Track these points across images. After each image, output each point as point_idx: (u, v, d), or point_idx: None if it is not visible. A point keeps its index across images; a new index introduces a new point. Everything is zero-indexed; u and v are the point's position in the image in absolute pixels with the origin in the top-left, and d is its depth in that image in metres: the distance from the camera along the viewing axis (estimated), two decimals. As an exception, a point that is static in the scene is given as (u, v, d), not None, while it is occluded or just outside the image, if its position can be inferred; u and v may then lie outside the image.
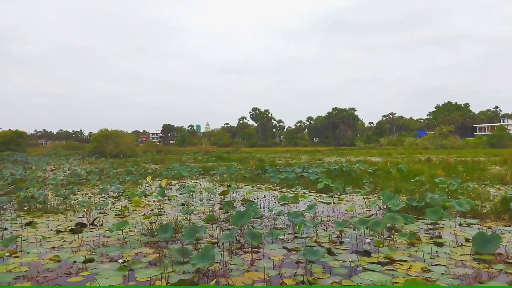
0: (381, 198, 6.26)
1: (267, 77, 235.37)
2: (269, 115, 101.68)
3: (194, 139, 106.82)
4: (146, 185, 10.25)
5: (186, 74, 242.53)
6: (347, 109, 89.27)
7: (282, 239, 4.14)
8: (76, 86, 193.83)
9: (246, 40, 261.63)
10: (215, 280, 2.81)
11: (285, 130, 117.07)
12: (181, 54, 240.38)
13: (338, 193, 7.74)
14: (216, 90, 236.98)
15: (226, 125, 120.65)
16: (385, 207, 5.94)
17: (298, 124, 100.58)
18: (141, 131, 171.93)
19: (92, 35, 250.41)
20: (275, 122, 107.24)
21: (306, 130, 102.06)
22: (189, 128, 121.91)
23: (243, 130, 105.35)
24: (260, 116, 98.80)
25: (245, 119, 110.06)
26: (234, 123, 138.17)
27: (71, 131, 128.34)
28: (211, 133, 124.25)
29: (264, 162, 17.38)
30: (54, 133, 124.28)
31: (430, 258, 3.38)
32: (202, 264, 2.98)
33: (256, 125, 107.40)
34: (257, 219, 5.18)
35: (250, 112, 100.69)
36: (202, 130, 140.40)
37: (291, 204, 6.49)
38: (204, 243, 3.95)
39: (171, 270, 3.10)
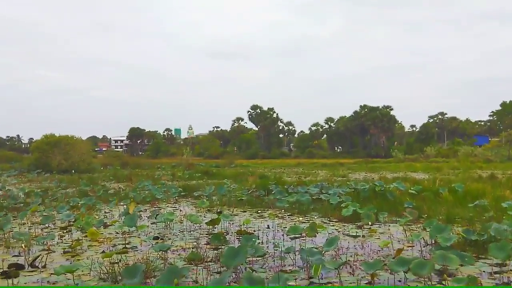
0: (427, 229, 6.37)
1: (272, 64, 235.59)
2: (274, 115, 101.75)
3: (172, 148, 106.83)
4: (107, 211, 10.30)
5: (162, 59, 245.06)
6: (380, 107, 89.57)
7: (293, 286, 4.17)
8: (13, 74, 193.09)
9: (244, 14, 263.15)
10: None
11: (296, 135, 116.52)
12: (156, 33, 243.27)
13: (369, 223, 7.75)
14: (203, 81, 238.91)
15: (215, 129, 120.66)
16: (433, 242, 5.99)
17: (313, 128, 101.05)
18: (100, 137, 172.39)
19: (38, 8, 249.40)
20: (282, 125, 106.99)
21: (325, 135, 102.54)
22: (165, 133, 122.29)
23: (239, 135, 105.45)
24: (262, 116, 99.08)
25: (242, 120, 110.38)
26: (226, 126, 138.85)
27: (4, 137, 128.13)
28: (195, 139, 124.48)
29: (267, 179, 17.60)
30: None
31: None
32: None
33: (256, 129, 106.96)
34: (258, 259, 5.24)
35: (249, 111, 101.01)
36: (183, 136, 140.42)
37: (304, 238, 6.59)
38: (185, 291, 4.05)
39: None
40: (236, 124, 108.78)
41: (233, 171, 27.92)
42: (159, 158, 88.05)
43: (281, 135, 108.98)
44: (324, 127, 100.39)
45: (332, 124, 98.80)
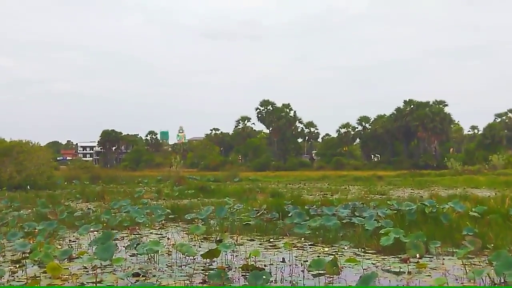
0: (493, 264, 6.42)
1: (287, 46, 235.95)
2: (291, 114, 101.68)
3: (158, 157, 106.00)
4: (72, 239, 10.37)
5: (144, 43, 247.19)
6: (430, 102, 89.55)
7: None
8: None
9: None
10: None
11: (319, 140, 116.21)
12: (135, 8, 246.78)
13: (417, 255, 7.74)
14: (197, 70, 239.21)
15: (214, 131, 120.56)
16: (501, 280, 6.05)
17: (342, 131, 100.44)
18: (64, 142, 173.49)
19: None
20: (301, 126, 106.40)
21: (358, 140, 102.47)
22: (148, 138, 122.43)
23: (245, 140, 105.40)
24: (275, 115, 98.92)
25: (248, 120, 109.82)
26: (228, 128, 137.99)
27: None
28: (187, 145, 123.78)
29: (282, 197, 17.59)
30: None
31: None
32: None
33: (267, 131, 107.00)
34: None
35: (258, 108, 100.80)
36: (171, 141, 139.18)
37: (331, 275, 6.64)
38: None
39: None
40: (240, 126, 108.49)
41: (237, 187, 28.08)
42: (141, 170, 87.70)
43: (300, 140, 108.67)
44: (356, 129, 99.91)
45: (367, 125, 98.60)
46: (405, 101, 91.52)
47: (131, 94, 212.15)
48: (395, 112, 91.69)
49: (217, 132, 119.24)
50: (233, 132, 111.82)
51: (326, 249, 8.91)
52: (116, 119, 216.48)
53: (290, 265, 7.44)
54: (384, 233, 9.01)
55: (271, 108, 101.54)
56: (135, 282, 6.22)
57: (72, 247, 9.26)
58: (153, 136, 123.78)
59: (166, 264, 7.67)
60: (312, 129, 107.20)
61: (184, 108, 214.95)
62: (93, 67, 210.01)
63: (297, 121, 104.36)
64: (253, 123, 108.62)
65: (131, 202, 17.50)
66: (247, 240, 10.08)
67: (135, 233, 11.20)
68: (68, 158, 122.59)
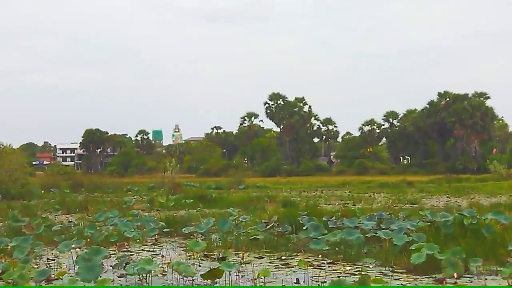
0: None
1: (302, 30, 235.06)
2: (306, 109, 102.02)
3: (150, 160, 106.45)
4: (51, 257, 10.44)
5: (134, 27, 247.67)
6: (469, 95, 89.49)
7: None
8: None
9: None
10: None
11: (339, 140, 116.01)
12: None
13: (454, 275, 7.72)
14: (196, 59, 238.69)
15: (215, 130, 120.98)
16: None
17: (366, 128, 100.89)
18: (40, 144, 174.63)
19: None
20: (317, 123, 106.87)
21: (384, 139, 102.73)
22: (139, 138, 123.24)
23: (251, 140, 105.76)
24: (287, 111, 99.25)
25: (256, 117, 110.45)
26: (232, 126, 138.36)
27: None
28: (184, 147, 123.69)
29: (295, 207, 17.77)
30: None
31: None
32: None
33: (278, 130, 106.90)
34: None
35: (267, 103, 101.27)
36: (166, 142, 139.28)
37: None
38: None
39: None
40: (246, 124, 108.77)
41: (243, 196, 28.16)
42: (130, 175, 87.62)
43: (316, 139, 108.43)
44: (382, 127, 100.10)
45: (395, 122, 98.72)
46: (439, 94, 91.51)
47: (118, 88, 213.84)
48: (428, 106, 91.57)
49: (219, 131, 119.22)
50: (238, 131, 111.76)
51: (348, 268, 8.89)
52: (101, 117, 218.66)
53: None
54: (415, 249, 8.94)
55: (282, 103, 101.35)
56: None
57: (50, 266, 9.27)
58: (144, 136, 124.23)
59: (161, 285, 7.64)
60: (331, 127, 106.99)
61: (180, 103, 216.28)
62: (73, 57, 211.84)
63: (313, 118, 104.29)
64: (261, 120, 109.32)
65: (119, 214, 17.55)
66: (255, 257, 10.10)
67: (123, 250, 11.21)
68: (45, 162, 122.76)
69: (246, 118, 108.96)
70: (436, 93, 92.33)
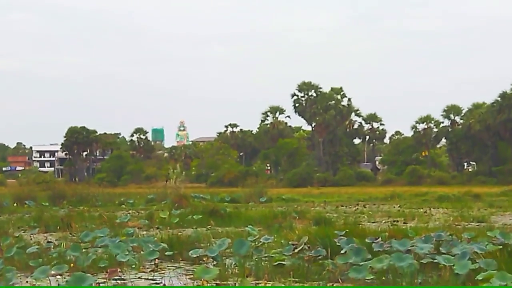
0: None
1: (335, 1, 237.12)
2: (343, 102, 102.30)
3: (149, 166, 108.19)
4: (26, 286, 10.54)
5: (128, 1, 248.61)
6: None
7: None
8: None
9: None
10: None
11: (386, 141, 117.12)
12: None
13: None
14: (205, 37, 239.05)
15: (230, 129, 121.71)
16: None
17: (420, 127, 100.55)
18: (12, 145, 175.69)
19: None
20: (359, 120, 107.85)
21: (444, 141, 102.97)
22: (135, 138, 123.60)
23: (276, 142, 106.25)
24: (321, 105, 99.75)
25: (282, 113, 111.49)
26: (251, 124, 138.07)
27: None
28: (191, 149, 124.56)
29: (331, 226, 17.84)
30: None
31: None
32: None
33: (309, 128, 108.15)
34: None
35: (295, 95, 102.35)
36: (169, 143, 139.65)
37: None
38: None
39: None
40: (269, 120, 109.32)
41: (265, 211, 28.11)
42: (124, 185, 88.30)
43: (357, 141, 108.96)
44: (441, 125, 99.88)
45: (457, 118, 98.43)
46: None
47: (108, 75, 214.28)
48: (499, 99, 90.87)
49: (234, 129, 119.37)
50: (259, 129, 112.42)
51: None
52: (88, 112, 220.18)
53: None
54: (483, 278, 8.94)
55: (315, 95, 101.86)
56: None
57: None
58: (141, 136, 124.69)
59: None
60: (376, 125, 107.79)
61: (187, 94, 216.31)
62: (50, 36, 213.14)
63: (353, 113, 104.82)
64: (288, 117, 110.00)
65: (110, 233, 17.67)
66: (281, 288, 10.53)
67: (116, 277, 11.29)
68: (18, 168, 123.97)
69: (269, 113, 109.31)
70: (510, 83, 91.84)
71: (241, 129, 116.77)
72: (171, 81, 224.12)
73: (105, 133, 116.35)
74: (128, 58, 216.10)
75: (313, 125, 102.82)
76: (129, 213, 28.72)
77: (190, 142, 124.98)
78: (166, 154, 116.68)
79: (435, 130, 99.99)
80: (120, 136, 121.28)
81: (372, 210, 32.82)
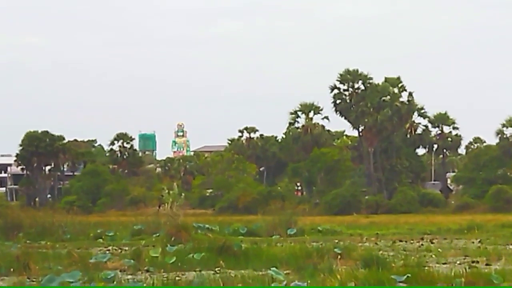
0: None
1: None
2: (401, 97, 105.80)
3: (135, 186, 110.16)
4: None
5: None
6: None
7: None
8: None
9: None
10: None
11: (461, 152, 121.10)
12: None
13: None
14: (213, 12, 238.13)
15: (246, 134, 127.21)
16: None
17: (509, 131, 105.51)
18: None
19: None
20: (424, 122, 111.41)
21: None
22: (116, 148, 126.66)
23: (309, 152, 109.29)
24: (371, 101, 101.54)
25: (317, 112, 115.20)
26: (275, 127, 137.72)
27: None
28: (192, 162, 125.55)
29: (386, 268, 18.38)
30: None
31: None
32: None
33: (356, 133, 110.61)
34: None
35: (335, 87, 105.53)
36: (162, 154, 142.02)
37: None
38: None
39: None
40: (300, 123, 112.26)
41: (295, 247, 28.70)
42: (101, 211, 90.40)
43: (421, 151, 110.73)
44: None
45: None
46: None
47: (76, 62, 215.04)
48: None
49: (252, 135, 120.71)
50: (285, 135, 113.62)
51: None
52: (51, 112, 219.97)
53: None
54: None
55: (363, 87, 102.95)
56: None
57: None
58: (125, 145, 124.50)
59: None
60: (447, 130, 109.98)
61: (186, 88, 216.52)
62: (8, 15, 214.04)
63: (416, 113, 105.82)
64: (326, 118, 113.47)
65: (83, 277, 18.43)
66: None
67: None
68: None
69: (299, 113, 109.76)
70: None
71: (261, 135, 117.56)
72: (165, 70, 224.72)
73: (75, 140, 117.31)
74: (102, 38, 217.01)
75: (360, 130, 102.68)
76: (109, 250, 30.32)
77: (192, 153, 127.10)
78: (158, 169, 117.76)
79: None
80: (96, 145, 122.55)
81: (442, 246, 33.74)
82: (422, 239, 39.73)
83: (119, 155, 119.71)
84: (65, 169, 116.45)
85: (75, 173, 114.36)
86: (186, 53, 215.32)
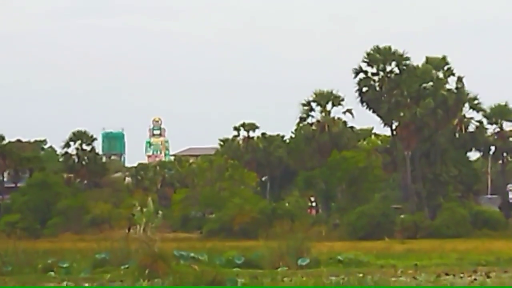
0: None
1: None
2: (448, 83, 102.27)
3: (97, 201, 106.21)
4: None
5: None
6: None
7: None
8: None
9: None
10: None
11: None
12: None
13: None
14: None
15: (243, 133, 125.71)
16: None
17: None
18: None
19: None
20: (478, 118, 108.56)
21: None
22: (71, 150, 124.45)
23: (325, 156, 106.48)
24: (407, 88, 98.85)
25: (336, 104, 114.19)
26: (281, 124, 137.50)
27: None
28: (173, 170, 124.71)
29: None
30: None
31: None
32: None
33: (389, 131, 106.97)
34: None
35: (360, 71, 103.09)
36: (132, 161, 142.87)
37: None
38: None
39: None
40: (314, 118, 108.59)
41: (307, 283, 31.06)
42: (53, 235, 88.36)
43: (474, 155, 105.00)
44: None
45: None
46: None
47: (13, 36, 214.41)
48: None
49: (251, 135, 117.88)
50: (295, 134, 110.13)
51: None
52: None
53: None
54: None
55: (397, 71, 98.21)
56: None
57: None
58: (84, 147, 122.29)
59: None
60: (507, 127, 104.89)
61: (163, 74, 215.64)
62: None
63: (467, 105, 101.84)
64: (349, 111, 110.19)
65: None
66: None
67: None
68: None
69: (313, 105, 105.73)
70: None
71: (263, 134, 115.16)
72: (133, 49, 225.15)
73: (18, 141, 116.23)
74: (54, 15, 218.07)
75: (394, 127, 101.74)
76: (63, 286, 31.23)
77: (172, 157, 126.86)
78: (128, 179, 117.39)
79: None
80: (45, 147, 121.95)
81: (502, 282, 33.26)
82: (476, 272, 40.42)
83: (76, 160, 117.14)
84: (4, 180, 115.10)
85: (18, 185, 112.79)
86: (164, 26, 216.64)
